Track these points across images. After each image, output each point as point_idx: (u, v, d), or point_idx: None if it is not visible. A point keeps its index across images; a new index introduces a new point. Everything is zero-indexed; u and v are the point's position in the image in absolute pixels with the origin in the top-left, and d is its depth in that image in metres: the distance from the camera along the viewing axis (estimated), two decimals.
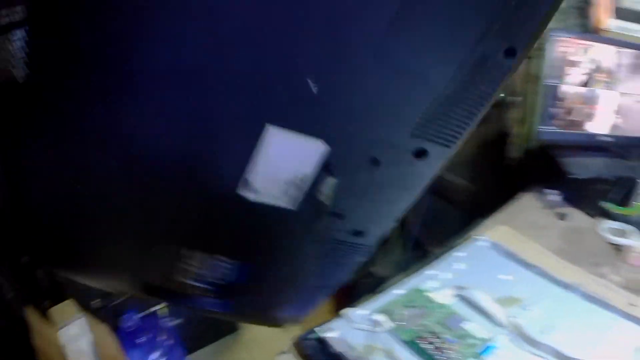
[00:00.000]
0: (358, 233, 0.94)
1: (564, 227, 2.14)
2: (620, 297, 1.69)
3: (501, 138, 2.32)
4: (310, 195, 0.81)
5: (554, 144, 2.16)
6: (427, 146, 0.83)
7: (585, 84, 1.88)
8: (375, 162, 0.82)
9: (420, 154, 0.84)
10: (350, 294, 1.49)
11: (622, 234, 2.11)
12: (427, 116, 0.78)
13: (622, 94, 1.96)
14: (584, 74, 1.85)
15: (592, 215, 2.22)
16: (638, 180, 2.22)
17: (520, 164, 2.34)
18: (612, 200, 2.21)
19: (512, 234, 1.96)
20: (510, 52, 0.74)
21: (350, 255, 1.00)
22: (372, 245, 0.99)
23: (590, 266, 1.93)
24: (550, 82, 1.86)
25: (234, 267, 0.89)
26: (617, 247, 2.06)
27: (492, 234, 1.92)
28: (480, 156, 2.40)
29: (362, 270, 2.37)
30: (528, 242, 1.94)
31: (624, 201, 2.22)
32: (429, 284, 1.43)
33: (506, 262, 1.67)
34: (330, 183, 0.81)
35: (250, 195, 0.79)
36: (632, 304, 1.66)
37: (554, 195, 2.26)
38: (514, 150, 2.36)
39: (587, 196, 2.22)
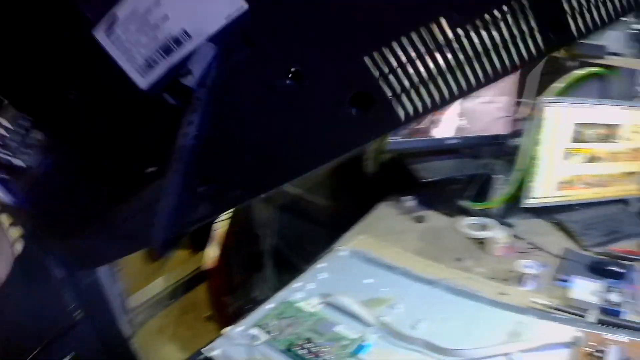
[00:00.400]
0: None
1: (423, 229, 2.20)
2: (489, 288, 1.77)
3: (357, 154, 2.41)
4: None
5: (405, 153, 2.28)
6: None
7: None
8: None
9: None
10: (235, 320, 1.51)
11: (482, 228, 2.19)
12: None
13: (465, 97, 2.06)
14: None
15: (450, 215, 2.30)
16: (492, 176, 2.37)
17: (376, 177, 2.43)
18: (468, 198, 2.33)
19: (371, 242, 1.99)
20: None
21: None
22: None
23: (454, 262, 2.00)
24: None
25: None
26: (479, 241, 2.14)
27: (352, 244, 1.95)
28: (338, 174, 2.49)
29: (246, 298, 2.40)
30: (388, 247, 1.98)
31: (480, 197, 2.34)
32: (296, 296, 1.49)
33: (368, 267, 1.71)
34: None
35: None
36: (502, 293, 1.75)
37: (410, 201, 2.33)
38: (370, 165, 2.47)
39: (443, 198, 2.31)
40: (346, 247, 1.82)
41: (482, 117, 2.30)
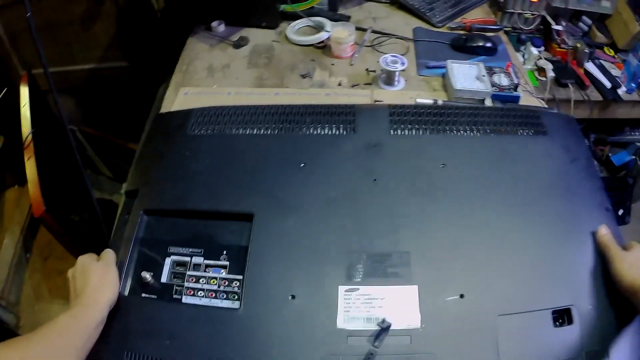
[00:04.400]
0: None
1: (248, 53, 1.65)
2: (361, 98, 1.42)
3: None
4: None
5: None
6: None
7: None
8: None
9: None
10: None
11: (316, 30, 1.74)
12: None
13: None
14: None
15: (272, 27, 1.78)
16: None
17: (171, 12, 1.79)
18: (284, 2, 1.81)
19: (198, 92, 1.45)
20: None
21: None
22: None
23: (302, 80, 1.53)
24: None
25: None
26: (319, 46, 1.67)
27: (177, 104, 1.38)
28: (128, 28, 1.80)
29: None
30: (220, 91, 1.46)
31: None
32: None
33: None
34: None
35: None
36: (377, 101, 1.40)
37: (220, 26, 1.78)
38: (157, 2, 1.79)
39: (257, 9, 1.76)
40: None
41: None
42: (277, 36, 1.72)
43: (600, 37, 2.44)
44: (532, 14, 2.14)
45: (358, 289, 0.86)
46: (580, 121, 2.38)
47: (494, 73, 1.50)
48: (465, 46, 1.66)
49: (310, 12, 1.76)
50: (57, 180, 1.68)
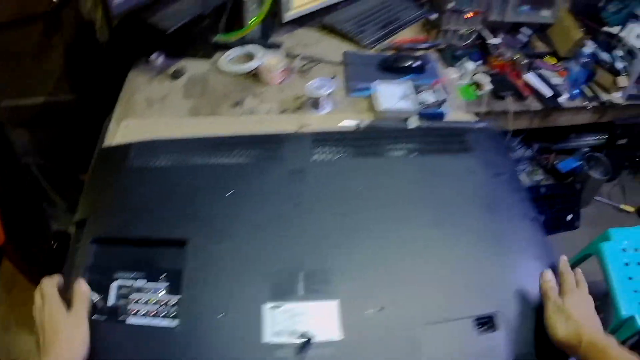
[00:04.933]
0: None
1: (184, 83, 1.65)
2: (288, 124, 1.42)
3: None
4: None
5: (138, 9, 1.61)
6: None
7: None
8: None
9: None
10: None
11: (248, 59, 1.74)
12: None
13: None
14: None
15: (208, 57, 1.78)
16: None
17: (114, 47, 1.77)
18: (220, 31, 1.80)
19: (137, 124, 1.43)
20: None
21: None
22: None
23: (234, 107, 1.54)
24: None
25: None
26: (251, 75, 1.66)
27: (118, 136, 1.37)
28: (73, 60, 1.78)
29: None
30: (158, 122, 1.46)
31: (234, 26, 1.83)
32: None
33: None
34: None
35: None
36: (304, 125, 1.42)
37: (159, 58, 1.77)
38: (102, 35, 1.77)
39: (194, 40, 1.76)
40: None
41: None
42: (211, 66, 1.71)
43: (541, 47, 2.47)
44: (468, 30, 2.15)
45: (282, 305, 0.91)
46: (521, 131, 2.42)
47: (421, 91, 1.51)
48: (393, 66, 1.67)
49: (244, 41, 1.75)
50: (16, 212, 1.68)
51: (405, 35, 1.90)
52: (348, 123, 1.43)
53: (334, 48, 1.81)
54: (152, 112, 1.52)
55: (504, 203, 1.15)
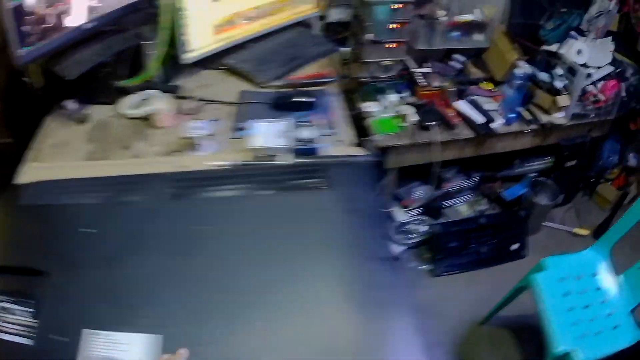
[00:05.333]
0: None
1: (88, 129, 1.67)
2: (167, 165, 1.42)
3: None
4: None
5: (48, 58, 1.64)
6: None
7: None
8: None
9: None
10: None
11: (145, 104, 1.74)
12: None
13: None
14: None
15: (112, 102, 1.78)
16: (143, 45, 1.83)
17: (34, 94, 1.80)
18: (122, 78, 1.80)
19: (44, 166, 1.49)
20: None
21: None
22: None
23: (125, 151, 1.55)
24: (12, 4, 1.36)
25: None
26: (145, 119, 1.67)
27: (27, 176, 1.42)
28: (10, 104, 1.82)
29: None
30: (59, 164, 1.50)
31: (137, 71, 1.83)
32: None
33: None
34: None
35: None
36: (181, 166, 1.41)
37: (71, 104, 1.78)
38: (36, 82, 1.79)
39: (100, 87, 1.76)
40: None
41: None
42: (115, 111, 1.72)
43: (476, 73, 2.40)
44: (391, 61, 2.11)
45: (103, 333, 0.95)
46: (460, 161, 2.33)
47: (302, 127, 1.47)
48: (285, 104, 1.64)
49: (147, 86, 1.75)
50: None
51: (311, 71, 1.86)
52: (223, 163, 1.41)
53: (234, 88, 1.79)
54: (57, 155, 1.55)
55: (356, 241, 1.15)
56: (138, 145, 1.57)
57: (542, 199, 2.53)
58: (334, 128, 1.56)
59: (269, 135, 1.46)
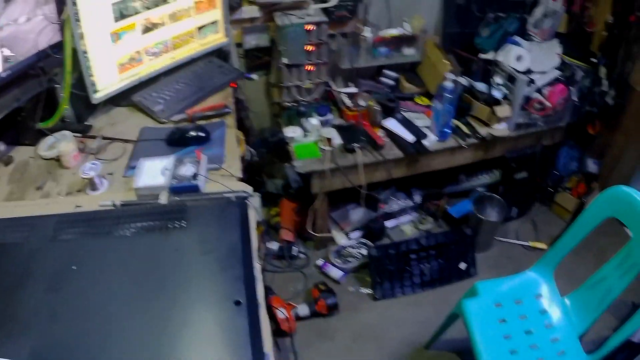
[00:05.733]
0: None
1: (11, 170, 1.74)
2: (66, 205, 1.46)
3: None
4: None
5: None
6: None
7: None
8: None
9: None
10: None
11: (56, 145, 1.76)
12: None
13: (2, 27, 1.65)
14: None
15: (33, 144, 1.82)
16: (56, 87, 1.86)
17: None
18: (40, 120, 1.83)
19: None
20: None
21: None
22: None
23: (36, 191, 1.60)
24: None
25: None
26: (56, 160, 1.71)
27: None
28: None
29: None
30: None
31: (51, 114, 1.86)
32: None
33: None
34: None
35: None
36: (78, 206, 1.45)
37: (1, 145, 1.84)
38: None
39: (22, 129, 1.82)
40: None
41: (26, 37, 1.78)
42: (34, 152, 1.77)
43: (410, 88, 2.34)
44: (312, 84, 2.08)
45: None
46: (393, 181, 2.26)
47: (184, 164, 1.46)
48: (178, 139, 1.64)
49: (62, 127, 1.80)
50: None
51: (213, 102, 1.85)
52: (106, 203, 1.44)
53: (139, 124, 1.82)
54: None
55: (210, 283, 1.15)
56: (49, 185, 1.62)
57: (491, 215, 2.45)
58: (222, 162, 1.53)
59: (150, 173, 1.46)
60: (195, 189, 1.43)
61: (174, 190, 1.42)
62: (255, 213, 1.43)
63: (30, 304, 1.10)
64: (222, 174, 1.55)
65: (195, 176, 1.44)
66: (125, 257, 1.22)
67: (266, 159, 2.52)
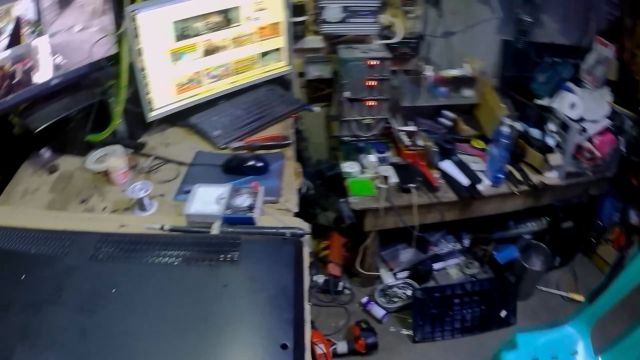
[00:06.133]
0: None
1: (55, 179, 1.70)
2: (110, 223, 1.39)
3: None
4: None
5: (15, 110, 1.67)
6: None
7: (11, 45, 1.53)
8: None
9: None
10: None
11: (105, 159, 1.71)
12: None
13: (53, 34, 1.62)
14: (5, 38, 1.52)
15: (81, 155, 1.78)
16: (108, 101, 1.82)
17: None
18: (89, 131, 1.79)
19: (7, 211, 1.51)
20: None
21: None
22: None
23: (80, 204, 1.56)
24: None
25: None
26: (104, 174, 1.67)
27: None
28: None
29: None
30: (21, 211, 1.51)
31: (102, 127, 1.81)
32: None
33: None
34: None
35: None
36: (122, 225, 1.39)
37: (46, 153, 1.80)
38: (15, 130, 1.81)
39: (67, 139, 1.78)
40: None
41: (80, 46, 1.76)
42: (81, 164, 1.74)
43: (467, 130, 2.28)
44: (372, 119, 2.02)
45: None
46: (443, 224, 2.19)
47: (240, 194, 1.40)
48: (235, 167, 1.58)
49: (113, 141, 1.76)
50: None
51: (273, 131, 1.79)
52: (153, 225, 1.37)
53: (194, 147, 1.77)
54: (23, 201, 1.58)
55: (259, 324, 1.08)
56: (94, 200, 1.57)
57: (535, 263, 2.37)
58: (278, 196, 1.47)
59: (204, 200, 1.41)
60: (249, 222, 1.36)
61: (227, 221, 1.35)
62: (308, 251, 1.37)
63: (60, 321, 1.03)
64: (278, 208, 1.49)
65: (251, 208, 1.38)
66: (169, 287, 1.14)
67: (320, 191, 2.48)
